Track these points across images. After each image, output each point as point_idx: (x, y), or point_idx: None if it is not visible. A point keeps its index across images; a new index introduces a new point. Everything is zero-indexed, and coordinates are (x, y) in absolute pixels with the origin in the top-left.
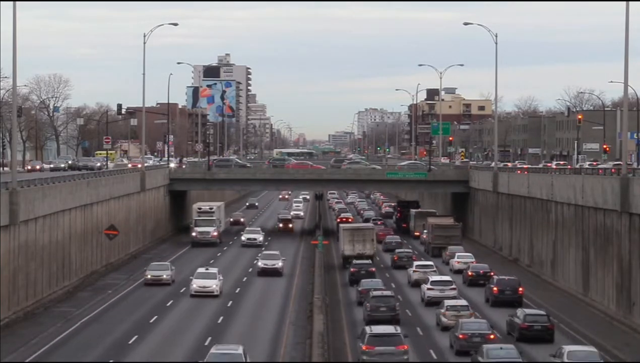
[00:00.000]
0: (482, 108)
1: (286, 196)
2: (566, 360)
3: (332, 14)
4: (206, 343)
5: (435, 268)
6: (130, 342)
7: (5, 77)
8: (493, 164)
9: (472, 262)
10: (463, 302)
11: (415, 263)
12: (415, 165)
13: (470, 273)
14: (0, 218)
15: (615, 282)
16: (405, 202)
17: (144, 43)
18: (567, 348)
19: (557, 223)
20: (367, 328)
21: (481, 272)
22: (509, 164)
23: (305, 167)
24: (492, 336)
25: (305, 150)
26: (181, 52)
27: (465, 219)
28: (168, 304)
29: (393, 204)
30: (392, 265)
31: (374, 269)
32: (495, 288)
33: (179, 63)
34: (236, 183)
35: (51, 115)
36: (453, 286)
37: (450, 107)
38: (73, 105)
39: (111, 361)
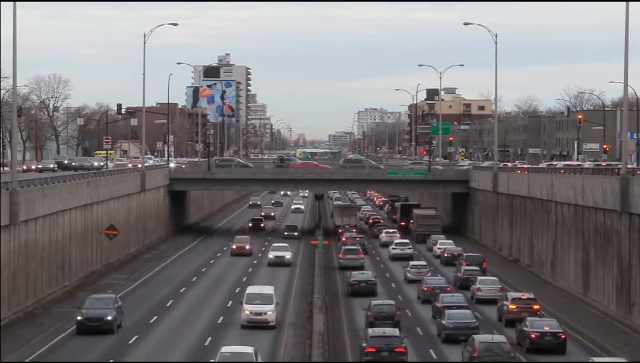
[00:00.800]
0: (482, 108)
1: (246, 246)
2: None
3: (332, 14)
4: (206, 343)
5: (397, 234)
6: (130, 342)
7: (5, 77)
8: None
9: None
10: (423, 262)
11: (384, 230)
12: (420, 164)
13: (446, 254)
14: (0, 218)
15: (615, 282)
16: (396, 196)
17: (144, 43)
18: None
19: (557, 223)
20: (343, 246)
21: (455, 253)
22: (509, 164)
23: (311, 167)
24: (448, 289)
25: (329, 150)
26: (181, 52)
27: (465, 219)
28: (168, 304)
29: (385, 199)
30: (372, 235)
31: (355, 230)
32: (463, 262)
33: (179, 63)
34: (236, 183)
35: (51, 115)
36: (410, 246)
37: (450, 107)
38: (73, 105)
39: (111, 361)
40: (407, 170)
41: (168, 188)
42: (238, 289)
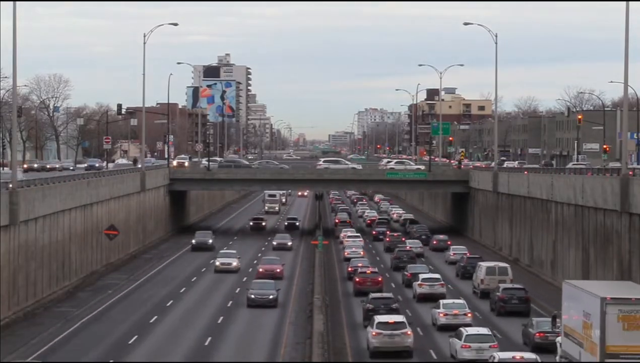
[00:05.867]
0: (482, 108)
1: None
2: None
3: (333, 14)
4: (206, 343)
5: (367, 205)
6: (130, 342)
7: (5, 77)
8: (493, 164)
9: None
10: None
11: (359, 203)
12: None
13: (381, 203)
14: (0, 218)
15: None
16: None
17: (144, 43)
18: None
19: (557, 223)
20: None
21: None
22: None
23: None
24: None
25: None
26: (181, 52)
27: (466, 219)
28: (168, 304)
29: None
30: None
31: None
32: (378, 199)
33: (179, 63)
34: (236, 184)
35: (51, 115)
36: (375, 211)
37: (450, 107)
38: (73, 105)
39: (111, 361)
40: (388, 169)
41: (168, 188)
42: (238, 289)
